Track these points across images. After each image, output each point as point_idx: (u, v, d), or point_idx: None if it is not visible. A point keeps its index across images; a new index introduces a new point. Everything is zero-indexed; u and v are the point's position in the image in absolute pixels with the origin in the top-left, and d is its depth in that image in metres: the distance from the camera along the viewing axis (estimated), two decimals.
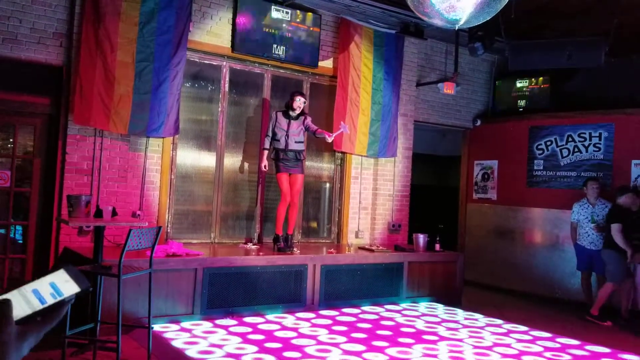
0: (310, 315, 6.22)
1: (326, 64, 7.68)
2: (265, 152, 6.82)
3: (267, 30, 7.09)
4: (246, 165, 7.30)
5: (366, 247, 7.49)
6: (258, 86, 7.38)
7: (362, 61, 7.76)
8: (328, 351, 4.97)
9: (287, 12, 7.21)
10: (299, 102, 6.71)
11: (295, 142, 6.74)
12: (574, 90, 8.93)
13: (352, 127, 7.65)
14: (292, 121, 6.75)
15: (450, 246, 8.57)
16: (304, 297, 6.37)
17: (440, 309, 7.01)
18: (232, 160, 7.22)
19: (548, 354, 5.34)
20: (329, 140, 6.88)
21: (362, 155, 7.93)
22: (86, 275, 1.06)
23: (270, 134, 6.82)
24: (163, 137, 6.48)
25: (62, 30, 5.97)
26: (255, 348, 4.92)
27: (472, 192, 9.55)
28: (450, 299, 7.38)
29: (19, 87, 5.93)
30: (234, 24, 6.90)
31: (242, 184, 7.30)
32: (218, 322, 5.69)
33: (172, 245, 5.95)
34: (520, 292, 8.52)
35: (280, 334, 5.42)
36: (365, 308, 6.70)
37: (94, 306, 4.64)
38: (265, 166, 6.85)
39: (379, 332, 5.71)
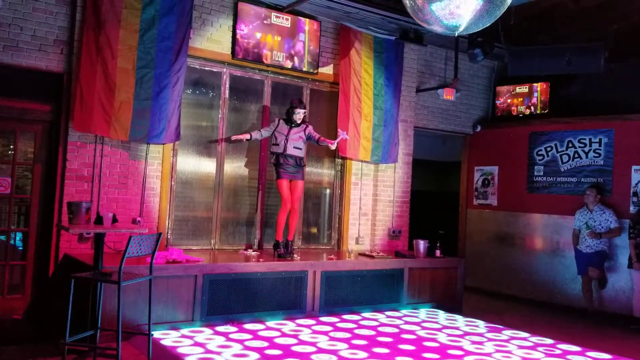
0: (311, 321, 6.20)
1: (326, 70, 7.70)
2: (246, 135, 6.83)
3: (267, 36, 7.11)
4: (246, 171, 7.31)
5: (366, 253, 7.48)
6: (258, 92, 7.39)
7: (363, 67, 7.78)
8: (328, 358, 4.96)
9: (287, 19, 7.24)
10: (299, 115, 6.80)
11: (294, 147, 6.77)
12: (573, 96, 8.93)
13: (355, 133, 7.67)
14: (293, 128, 6.80)
15: (450, 252, 8.56)
16: (304, 304, 6.35)
17: (441, 316, 6.99)
18: (233, 167, 7.22)
19: None
20: (332, 147, 6.95)
21: (366, 161, 7.94)
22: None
23: (264, 132, 6.90)
24: (164, 144, 6.49)
25: (63, 37, 5.99)
26: (255, 355, 4.90)
27: (473, 197, 9.55)
28: (451, 305, 7.37)
29: (19, 93, 5.95)
30: (234, 31, 6.92)
31: (242, 190, 7.30)
32: (218, 328, 5.68)
33: (172, 251, 5.94)
34: (521, 298, 8.52)
35: (280, 340, 5.41)
36: (366, 314, 6.68)
37: (94, 313, 4.63)
38: (237, 139, 6.85)
39: (380, 339, 5.70)
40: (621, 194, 7.68)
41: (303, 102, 7.02)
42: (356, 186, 8.00)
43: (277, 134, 6.81)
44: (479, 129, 9.40)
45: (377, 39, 7.92)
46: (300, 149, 6.85)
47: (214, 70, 7.03)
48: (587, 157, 8.15)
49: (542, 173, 8.63)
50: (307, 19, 7.42)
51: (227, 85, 7.12)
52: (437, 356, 5.22)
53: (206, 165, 7.04)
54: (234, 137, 6.87)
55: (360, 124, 7.73)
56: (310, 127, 6.93)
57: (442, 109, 9.06)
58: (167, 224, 6.66)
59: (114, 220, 4.93)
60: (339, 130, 7.13)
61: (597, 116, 8.13)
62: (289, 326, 5.95)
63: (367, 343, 5.49)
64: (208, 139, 7.03)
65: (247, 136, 6.85)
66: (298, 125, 6.83)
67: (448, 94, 8.50)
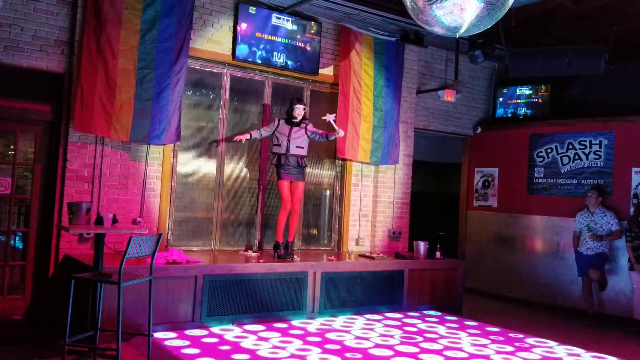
0: (311, 322, 6.20)
1: (327, 71, 7.70)
2: (246, 135, 6.80)
3: (267, 37, 7.11)
4: (247, 172, 7.31)
5: (366, 254, 7.48)
6: (259, 93, 7.39)
7: (363, 68, 7.78)
8: (328, 359, 4.95)
9: (287, 20, 7.24)
10: (299, 111, 6.80)
11: (297, 146, 6.78)
12: (574, 98, 8.94)
13: (354, 134, 7.67)
14: (293, 127, 6.82)
15: (450, 254, 8.56)
16: (304, 305, 6.35)
17: (441, 317, 6.99)
18: (233, 168, 7.22)
19: None
20: (341, 134, 6.96)
21: (365, 163, 7.93)
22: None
23: (263, 131, 6.90)
24: (164, 144, 6.49)
25: (64, 37, 5.99)
26: (255, 356, 4.90)
27: (473, 199, 9.55)
28: (451, 307, 7.36)
29: (20, 94, 5.94)
30: (234, 32, 6.93)
31: (242, 191, 7.30)
32: (218, 329, 5.68)
33: (172, 252, 5.94)
34: (521, 300, 8.51)
35: (280, 341, 5.40)
36: (366, 316, 6.68)
37: (94, 314, 4.63)
38: (238, 139, 6.80)
39: (380, 340, 5.70)
40: (621, 195, 7.68)
41: (303, 100, 7.04)
42: (356, 187, 8.00)
43: (278, 135, 6.81)
44: (479, 130, 9.40)
45: (378, 40, 7.92)
46: (303, 147, 6.86)
47: (215, 71, 7.04)
48: (587, 159, 8.15)
49: (542, 175, 8.63)
50: (308, 20, 7.42)
51: (228, 86, 7.12)
52: (437, 358, 5.21)
53: (206, 166, 7.03)
54: (236, 137, 6.86)
55: (359, 125, 7.72)
56: (310, 125, 6.94)
57: (443, 110, 9.06)
58: (167, 225, 6.66)
59: (114, 220, 4.93)
60: (327, 115, 6.95)
61: (598, 118, 8.13)
62: (289, 327, 5.94)
63: (368, 345, 5.49)
64: (208, 139, 7.03)
65: (247, 136, 6.84)
66: (298, 123, 6.84)
67: (448, 95, 8.50)
